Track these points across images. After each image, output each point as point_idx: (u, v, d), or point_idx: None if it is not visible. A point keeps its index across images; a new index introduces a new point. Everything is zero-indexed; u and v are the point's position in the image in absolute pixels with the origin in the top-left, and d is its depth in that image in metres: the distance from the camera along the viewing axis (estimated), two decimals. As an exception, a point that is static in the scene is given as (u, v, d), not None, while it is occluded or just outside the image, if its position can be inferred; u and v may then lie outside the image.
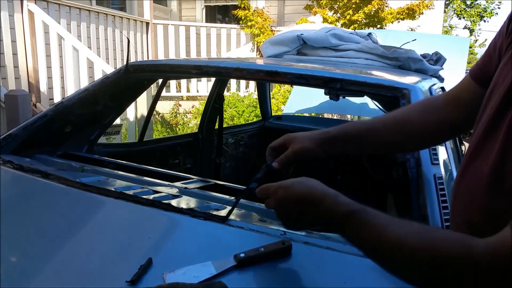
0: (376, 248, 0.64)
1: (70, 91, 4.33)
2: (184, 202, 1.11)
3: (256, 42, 7.01)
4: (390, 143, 0.93)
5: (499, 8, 20.98)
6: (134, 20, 6.16)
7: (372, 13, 6.52)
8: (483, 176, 0.66)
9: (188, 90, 6.75)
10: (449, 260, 0.57)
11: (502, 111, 0.65)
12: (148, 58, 6.39)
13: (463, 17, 21.73)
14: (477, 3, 21.17)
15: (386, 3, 6.68)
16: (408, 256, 0.60)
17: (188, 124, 6.23)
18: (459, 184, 0.74)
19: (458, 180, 0.74)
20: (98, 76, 4.24)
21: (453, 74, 3.07)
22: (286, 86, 6.16)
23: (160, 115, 6.29)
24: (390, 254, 0.62)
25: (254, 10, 7.06)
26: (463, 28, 22.87)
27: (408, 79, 1.48)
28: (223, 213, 1.04)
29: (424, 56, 2.04)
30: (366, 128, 0.94)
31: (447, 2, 19.61)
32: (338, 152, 0.95)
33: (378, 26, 6.56)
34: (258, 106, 3.23)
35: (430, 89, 1.48)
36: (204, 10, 9.38)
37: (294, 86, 3.82)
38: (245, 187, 0.97)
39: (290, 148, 0.91)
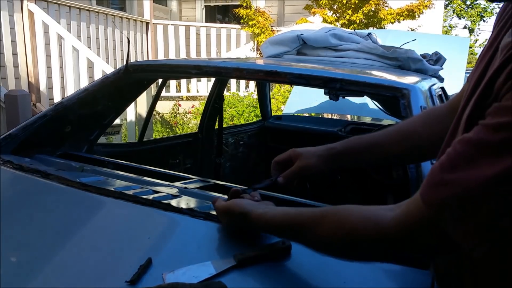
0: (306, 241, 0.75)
1: (70, 91, 4.33)
2: (184, 202, 1.11)
3: (256, 42, 7.01)
4: (396, 155, 0.94)
5: (499, 7, 20.93)
6: (134, 20, 6.16)
7: (371, 13, 6.52)
8: None
9: (188, 90, 6.75)
10: (360, 235, 0.64)
11: (464, 108, 0.66)
12: (148, 58, 6.40)
13: (463, 17, 21.75)
14: (477, 3, 21.17)
15: (386, 3, 6.68)
16: (326, 232, 0.69)
17: (188, 124, 6.23)
18: None
19: None
20: (98, 76, 4.24)
21: (453, 74, 3.08)
22: (286, 86, 6.16)
23: (160, 115, 6.29)
24: (307, 231, 0.72)
25: (256, 9, 7.07)
26: (463, 28, 22.90)
27: (408, 79, 1.48)
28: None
29: (424, 56, 2.04)
30: (371, 142, 0.95)
31: (447, 2, 19.62)
32: (343, 167, 0.98)
33: (378, 26, 6.56)
34: (258, 106, 3.23)
35: (430, 89, 1.48)
36: (204, 10, 9.38)
37: (294, 86, 3.82)
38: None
39: (296, 164, 0.94)
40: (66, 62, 4.45)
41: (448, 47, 3.09)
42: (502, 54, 0.59)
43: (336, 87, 1.33)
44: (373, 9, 6.44)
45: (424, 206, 0.55)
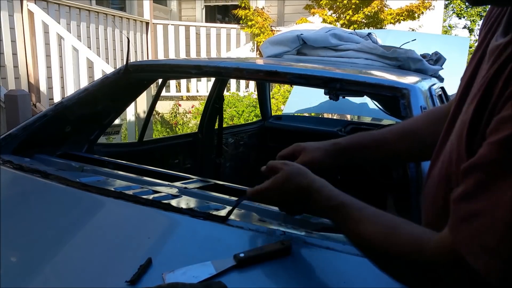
0: (354, 241, 0.70)
1: (70, 91, 4.33)
2: (184, 202, 1.11)
3: (256, 42, 7.01)
4: (400, 152, 0.94)
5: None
6: (134, 20, 6.15)
7: (372, 14, 6.53)
8: (435, 177, 0.67)
9: (188, 90, 6.75)
10: (404, 258, 0.60)
11: (456, 112, 0.66)
12: (148, 58, 6.39)
13: (463, 17, 21.74)
14: (477, 3, 21.11)
15: (386, 4, 6.68)
16: (374, 253, 0.66)
17: (188, 124, 6.23)
18: (424, 186, 0.74)
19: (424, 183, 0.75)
20: (98, 76, 4.24)
21: (453, 74, 3.07)
22: (286, 86, 6.16)
23: (160, 115, 6.29)
24: (362, 248, 0.68)
25: (255, 10, 7.06)
26: (463, 28, 22.88)
27: (408, 79, 1.48)
28: (222, 213, 1.04)
29: (424, 56, 2.04)
30: (377, 138, 0.94)
31: (447, 2, 19.62)
32: (346, 163, 0.96)
33: (378, 26, 6.56)
34: (258, 106, 3.23)
35: (430, 89, 1.48)
36: (204, 10, 9.38)
37: (294, 86, 3.83)
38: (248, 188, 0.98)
39: (300, 158, 0.92)
40: (66, 62, 4.45)
41: (448, 47, 3.09)
42: (491, 58, 0.58)
43: (336, 87, 1.33)
44: (375, 10, 6.44)
45: (456, 244, 0.52)
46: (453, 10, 21.46)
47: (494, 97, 0.53)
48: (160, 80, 2.46)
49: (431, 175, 0.71)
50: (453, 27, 22.59)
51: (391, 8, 6.69)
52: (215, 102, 2.53)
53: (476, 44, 0.71)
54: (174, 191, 1.18)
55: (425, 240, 0.58)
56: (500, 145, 0.48)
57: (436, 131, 0.88)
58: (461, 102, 0.65)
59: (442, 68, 2.11)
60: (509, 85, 0.50)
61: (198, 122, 2.67)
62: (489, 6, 0.71)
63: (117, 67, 1.87)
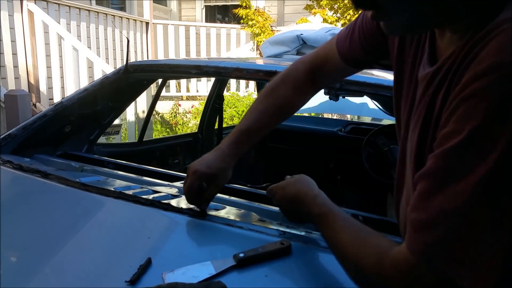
0: (331, 249, 0.73)
1: (70, 91, 4.33)
2: (184, 202, 1.10)
3: (256, 42, 7.01)
4: (273, 127, 1.07)
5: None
6: (134, 20, 6.15)
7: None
8: (403, 202, 0.70)
9: (187, 90, 6.75)
10: (368, 269, 0.62)
11: (405, 138, 0.71)
12: (148, 58, 6.39)
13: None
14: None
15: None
16: (347, 263, 0.68)
17: (188, 124, 6.23)
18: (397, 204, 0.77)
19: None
20: (97, 76, 4.24)
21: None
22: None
23: (160, 115, 6.29)
24: (337, 257, 0.71)
25: (255, 9, 7.07)
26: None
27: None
28: (222, 213, 1.04)
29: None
30: (254, 129, 1.02)
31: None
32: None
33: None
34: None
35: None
36: (203, 10, 9.38)
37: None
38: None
39: (214, 187, 0.99)
40: (66, 62, 4.45)
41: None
42: (421, 86, 0.63)
43: (336, 87, 1.33)
44: None
45: (411, 255, 0.54)
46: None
47: (432, 124, 0.58)
48: (160, 80, 2.46)
49: (400, 202, 0.73)
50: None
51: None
52: (215, 102, 2.53)
53: (403, 70, 0.75)
54: (174, 191, 1.18)
55: (387, 250, 0.60)
56: (444, 154, 0.51)
57: (298, 101, 1.04)
58: (407, 126, 0.70)
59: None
60: (445, 110, 0.53)
61: (198, 122, 2.67)
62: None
63: (117, 67, 1.87)
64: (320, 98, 3.16)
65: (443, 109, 0.55)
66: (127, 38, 1.79)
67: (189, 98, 6.60)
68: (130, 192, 1.13)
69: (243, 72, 1.49)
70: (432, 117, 0.59)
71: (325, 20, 6.49)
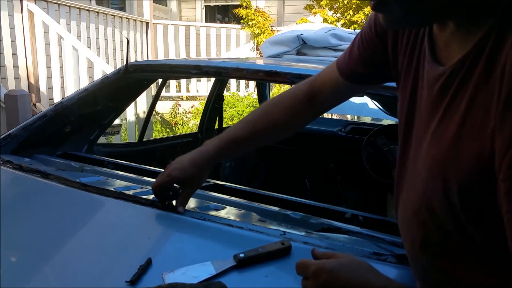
0: None
1: (70, 91, 4.33)
2: (184, 202, 1.10)
3: (256, 42, 7.01)
4: (260, 145, 1.06)
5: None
6: (134, 20, 6.15)
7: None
8: (408, 210, 0.67)
9: (187, 90, 6.75)
10: None
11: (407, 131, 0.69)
12: (148, 58, 6.39)
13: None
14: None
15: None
16: None
17: (188, 124, 6.23)
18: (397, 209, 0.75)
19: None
20: (97, 76, 4.24)
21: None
22: (286, 86, 6.16)
23: (160, 115, 6.29)
24: None
25: (255, 9, 7.07)
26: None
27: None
28: (222, 213, 1.04)
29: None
30: (245, 144, 1.01)
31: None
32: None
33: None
34: (258, 106, 3.23)
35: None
36: (203, 10, 9.38)
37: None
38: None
39: (189, 190, 1.00)
40: (66, 62, 4.45)
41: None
42: (437, 85, 0.60)
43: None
44: None
45: None
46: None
47: (458, 122, 0.55)
48: (160, 80, 2.46)
49: (400, 203, 0.71)
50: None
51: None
52: (215, 102, 2.53)
53: (400, 67, 0.74)
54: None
55: None
56: None
57: (295, 124, 1.00)
58: (409, 126, 0.68)
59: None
60: (500, 128, 0.49)
61: (198, 122, 2.67)
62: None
63: (117, 67, 1.87)
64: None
65: (470, 110, 0.53)
66: (127, 38, 1.79)
67: (189, 98, 6.59)
68: (130, 192, 1.13)
69: (243, 72, 1.49)
70: (456, 116, 0.56)
71: (325, 20, 6.49)
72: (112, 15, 5.72)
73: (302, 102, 0.97)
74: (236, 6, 7.36)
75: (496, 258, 0.54)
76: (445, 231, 0.59)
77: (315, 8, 6.81)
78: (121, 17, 5.90)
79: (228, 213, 1.06)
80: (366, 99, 2.99)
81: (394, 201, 0.74)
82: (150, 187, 1.19)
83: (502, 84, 0.49)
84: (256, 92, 3.63)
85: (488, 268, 0.56)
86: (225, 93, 5.04)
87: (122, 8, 7.10)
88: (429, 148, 0.61)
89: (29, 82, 4.57)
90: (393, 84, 0.82)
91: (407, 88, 0.70)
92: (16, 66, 4.41)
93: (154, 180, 1.28)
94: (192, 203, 1.11)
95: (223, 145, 0.99)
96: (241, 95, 6.37)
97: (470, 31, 0.55)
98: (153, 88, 5.00)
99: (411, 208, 0.65)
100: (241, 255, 0.81)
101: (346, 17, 6.57)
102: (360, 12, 6.48)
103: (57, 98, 4.48)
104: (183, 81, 6.67)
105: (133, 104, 4.13)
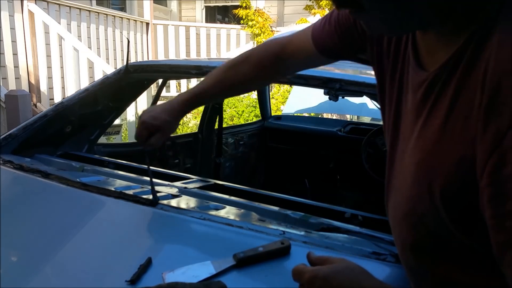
0: None
1: (71, 91, 4.33)
2: (184, 202, 1.11)
3: (256, 42, 7.01)
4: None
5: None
6: (134, 20, 6.15)
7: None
8: (397, 213, 0.67)
9: (188, 90, 6.74)
10: None
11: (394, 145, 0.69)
12: (148, 58, 6.39)
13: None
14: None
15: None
16: None
17: (188, 124, 6.23)
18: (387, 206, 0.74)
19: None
20: (98, 76, 4.24)
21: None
22: (286, 86, 6.16)
23: (160, 115, 6.28)
24: None
25: (255, 10, 7.07)
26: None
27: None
28: (222, 213, 1.05)
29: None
30: (208, 96, 1.10)
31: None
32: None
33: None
34: (258, 106, 3.24)
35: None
36: (204, 11, 9.38)
37: (294, 86, 3.83)
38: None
39: (160, 136, 1.08)
40: (67, 62, 4.45)
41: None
42: (420, 91, 0.60)
43: (336, 87, 1.33)
44: None
45: None
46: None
47: (438, 126, 0.55)
48: (160, 80, 2.46)
49: (390, 206, 0.71)
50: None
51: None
52: (215, 102, 2.53)
53: (384, 73, 0.73)
54: (174, 191, 1.19)
55: None
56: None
57: (260, 77, 1.05)
58: (396, 130, 0.68)
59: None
60: (481, 139, 0.48)
61: (198, 122, 2.67)
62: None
63: (118, 68, 1.87)
64: (319, 98, 3.17)
65: (450, 116, 0.53)
66: (127, 38, 1.79)
67: (189, 98, 6.58)
68: (130, 192, 1.13)
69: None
70: (436, 121, 0.56)
71: (325, 20, 6.48)
72: (112, 15, 5.72)
73: (271, 61, 1.00)
74: (236, 7, 7.36)
75: (487, 261, 0.53)
76: (434, 235, 0.59)
77: (315, 9, 6.81)
78: (121, 17, 5.90)
79: (228, 212, 1.06)
80: (365, 99, 2.99)
81: (385, 204, 0.74)
82: (150, 187, 1.20)
83: (483, 90, 0.49)
84: (256, 92, 3.63)
85: (480, 271, 0.56)
86: (225, 93, 5.04)
87: (122, 9, 7.10)
88: (413, 153, 0.61)
89: (29, 82, 4.57)
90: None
91: (393, 93, 0.69)
92: (16, 66, 4.41)
93: (154, 180, 1.29)
94: (192, 202, 1.11)
95: (192, 96, 1.07)
96: (241, 95, 6.36)
97: (452, 37, 0.55)
98: (153, 88, 5.00)
99: (400, 212, 0.65)
100: (241, 254, 0.81)
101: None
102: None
103: (57, 98, 4.48)
104: (183, 81, 6.67)
105: (133, 104, 4.13)
